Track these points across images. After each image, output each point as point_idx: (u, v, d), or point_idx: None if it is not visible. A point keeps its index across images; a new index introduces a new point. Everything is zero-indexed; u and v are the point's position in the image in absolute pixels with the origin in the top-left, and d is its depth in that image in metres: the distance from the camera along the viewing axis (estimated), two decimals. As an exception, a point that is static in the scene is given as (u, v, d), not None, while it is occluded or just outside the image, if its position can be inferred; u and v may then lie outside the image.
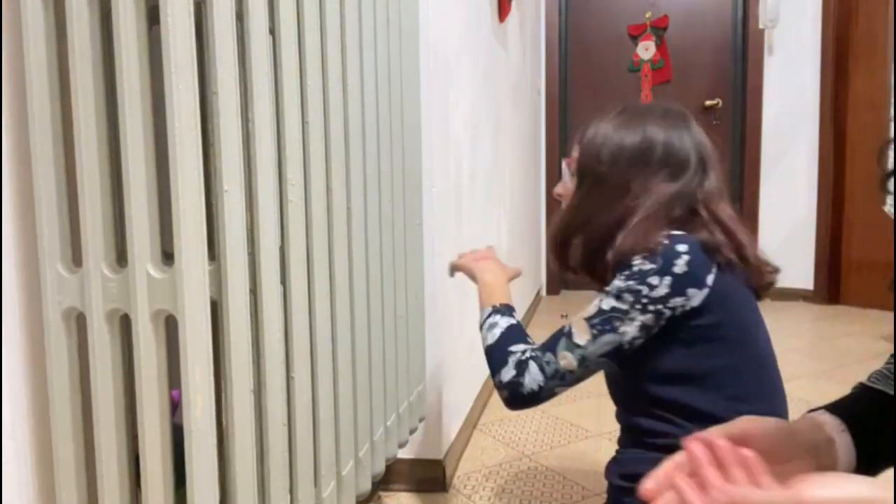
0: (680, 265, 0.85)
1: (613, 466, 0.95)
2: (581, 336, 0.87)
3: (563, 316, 3.22)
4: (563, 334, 0.89)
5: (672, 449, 0.62)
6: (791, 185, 3.66)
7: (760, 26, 3.57)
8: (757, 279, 0.95)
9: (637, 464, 0.89)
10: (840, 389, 2.27)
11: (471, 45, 1.78)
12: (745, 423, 0.60)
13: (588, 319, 0.88)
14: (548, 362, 0.89)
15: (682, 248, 0.86)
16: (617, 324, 0.86)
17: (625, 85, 3.84)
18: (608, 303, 0.87)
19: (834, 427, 0.66)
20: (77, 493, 0.70)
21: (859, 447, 0.65)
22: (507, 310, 0.99)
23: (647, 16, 3.79)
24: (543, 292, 3.93)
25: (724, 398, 0.86)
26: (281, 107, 0.78)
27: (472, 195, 1.79)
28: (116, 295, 0.66)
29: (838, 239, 3.57)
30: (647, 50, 3.80)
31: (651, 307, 0.85)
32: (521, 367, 0.89)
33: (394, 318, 1.17)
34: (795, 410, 1.94)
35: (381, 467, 1.14)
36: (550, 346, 0.90)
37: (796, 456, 0.61)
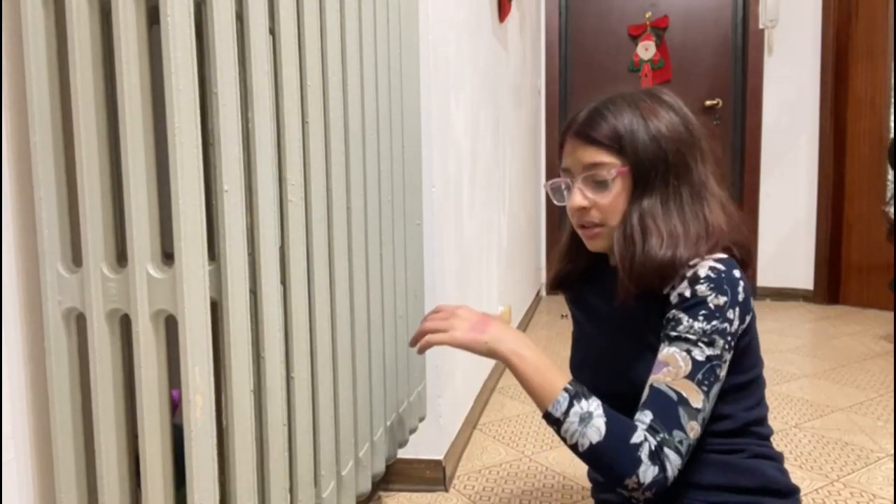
0: (741, 293, 0.83)
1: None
2: (697, 399, 0.80)
3: (563, 316, 3.23)
4: (678, 404, 0.79)
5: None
6: (791, 185, 3.66)
7: (760, 26, 3.57)
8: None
9: None
10: (840, 389, 2.28)
11: (471, 45, 1.78)
12: None
13: (692, 377, 0.80)
14: (681, 442, 0.78)
15: (737, 273, 0.83)
16: (718, 371, 0.82)
17: (625, 85, 3.83)
18: (702, 353, 0.80)
19: None
20: (77, 493, 0.70)
21: None
22: (578, 386, 0.82)
23: (647, 16, 3.80)
24: (543, 292, 3.93)
25: (742, 409, 0.87)
26: (281, 107, 0.78)
27: (472, 195, 1.79)
28: (116, 295, 0.66)
29: (838, 239, 3.57)
30: (647, 50, 3.80)
31: (733, 342, 0.83)
32: (657, 458, 0.77)
33: (394, 318, 1.17)
34: (796, 410, 1.94)
35: (381, 467, 1.14)
36: (669, 419, 0.79)
37: None
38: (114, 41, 0.62)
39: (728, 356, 0.82)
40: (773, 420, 1.84)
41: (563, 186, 0.93)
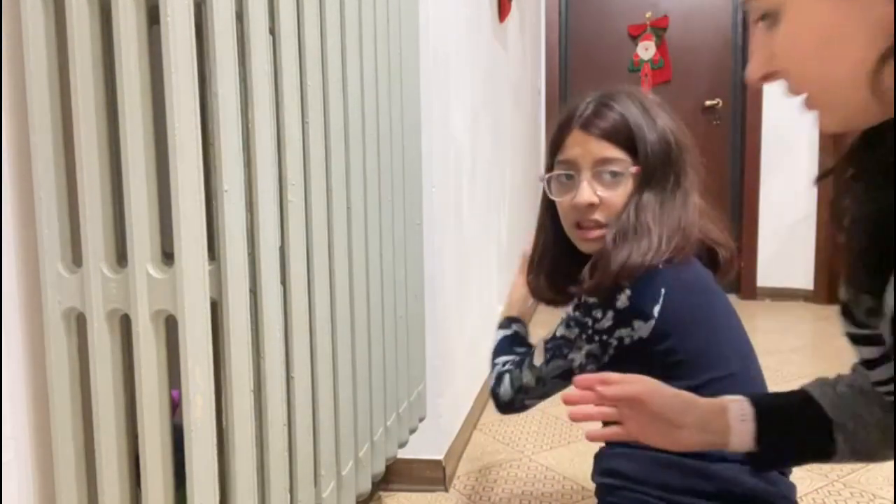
0: (622, 300, 0.84)
1: (596, 464, 0.95)
2: (538, 358, 0.93)
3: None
4: (530, 353, 0.95)
5: (653, 449, 0.72)
6: (791, 185, 3.66)
7: (760, 26, 3.57)
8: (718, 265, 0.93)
9: (619, 460, 0.88)
10: (840, 389, 2.22)
11: (471, 44, 1.78)
12: (640, 386, 0.69)
13: (544, 342, 0.93)
14: (516, 377, 0.95)
15: (632, 288, 0.84)
16: (565, 351, 0.90)
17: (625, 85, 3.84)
18: (560, 330, 0.91)
19: (736, 415, 0.70)
20: (77, 492, 0.70)
21: (759, 439, 0.69)
22: (506, 322, 1.06)
23: (648, 16, 3.79)
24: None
25: None
26: (281, 107, 0.78)
27: (471, 195, 1.79)
28: (116, 295, 0.66)
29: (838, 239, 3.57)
30: (647, 50, 3.80)
31: (600, 339, 0.88)
32: (499, 378, 0.98)
33: (394, 318, 1.17)
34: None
35: (381, 467, 1.14)
36: (520, 362, 0.96)
37: (686, 426, 0.69)
38: (114, 41, 0.62)
39: (586, 346, 0.87)
40: (773, 420, 1.84)
41: (564, 177, 0.90)
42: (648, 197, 0.86)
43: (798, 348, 2.68)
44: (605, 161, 0.87)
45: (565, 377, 0.90)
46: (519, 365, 0.96)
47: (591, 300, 0.86)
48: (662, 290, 0.83)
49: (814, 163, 3.59)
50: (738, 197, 3.76)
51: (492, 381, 0.99)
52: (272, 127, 0.74)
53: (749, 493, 0.82)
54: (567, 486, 1.47)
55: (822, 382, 0.75)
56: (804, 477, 1.49)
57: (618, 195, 0.87)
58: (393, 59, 1.15)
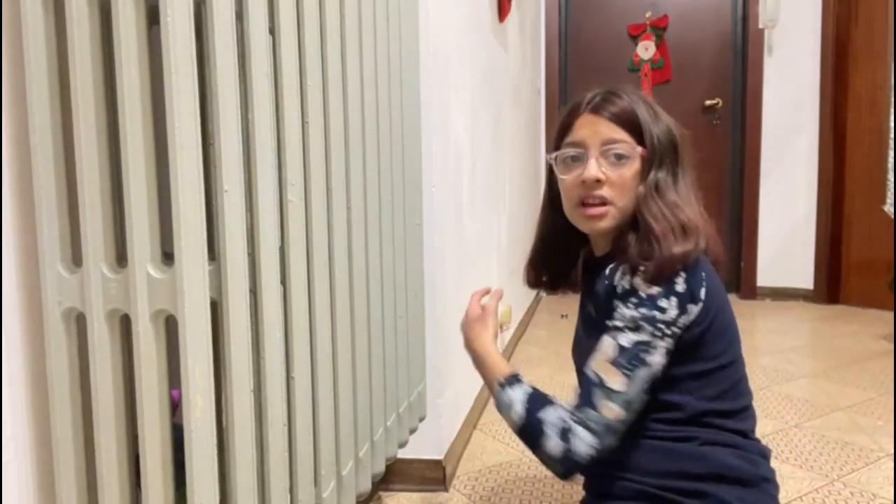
0: (679, 283, 0.83)
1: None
2: (615, 381, 0.82)
3: (563, 316, 3.23)
4: (595, 386, 0.82)
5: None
6: (791, 185, 3.66)
7: (760, 26, 3.57)
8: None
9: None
10: (840, 389, 2.27)
11: (471, 45, 1.78)
12: None
13: (613, 361, 0.83)
14: (595, 422, 0.81)
15: (681, 276, 0.84)
16: (645, 356, 0.83)
17: (624, 85, 3.84)
18: (627, 338, 0.83)
19: None
20: (77, 493, 0.70)
21: None
22: (513, 381, 0.89)
23: (647, 16, 3.79)
24: (543, 292, 3.93)
25: (697, 398, 0.87)
26: (281, 107, 0.78)
27: (471, 195, 1.79)
28: (116, 295, 0.66)
29: (838, 238, 3.57)
30: (646, 50, 3.80)
31: (670, 330, 0.83)
32: (567, 434, 0.81)
33: (394, 318, 1.17)
34: (796, 410, 1.94)
35: (381, 467, 1.14)
36: (585, 400, 0.82)
37: None
38: (114, 41, 0.62)
39: (662, 343, 0.83)
40: (773, 419, 1.85)
41: (570, 158, 0.91)
42: (662, 178, 0.88)
43: (798, 348, 2.68)
44: (613, 141, 0.88)
45: (648, 389, 0.83)
46: (585, 405, 0.82)
47: (654, 291, 0.82)
48: (703, 274, 0.85)
49: (813, 162, 3.59)
50: (737, 196, 3.76)
51: (556, 445, 0.81)
52: (272, 127, 0.74)
53: (734, 473, 0.86)
54: (566, 486, 1.47)
55: None
56: (804, 477, 1.49)
57: (623, 175, 0.88)
58: (393, 59, 1.15)
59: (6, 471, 0.68)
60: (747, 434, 0.91)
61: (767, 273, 3.72)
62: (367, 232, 1.02)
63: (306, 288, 0.83)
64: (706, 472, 0.85)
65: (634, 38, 3.83)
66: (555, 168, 0.94)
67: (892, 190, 2.67)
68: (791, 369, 2.35)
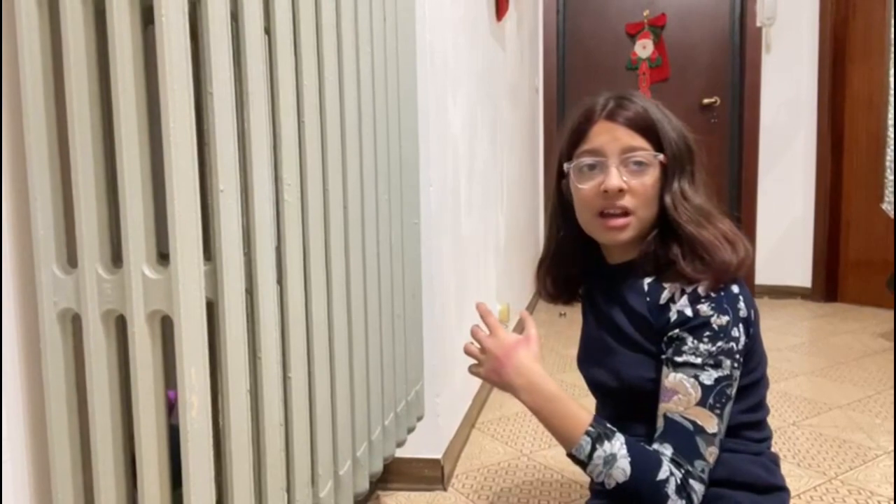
0: (742, 308, 0.83)
1: None
2: (711, 424, 0.80)
3: (561, 315, 3.23)
4: (694, 434, 0.80)
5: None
6: (789, 183, 3.66)
7: (758, 24, 3.57)
8: None
9: None
10: (838, 387, 2.27)
11: (468, 44, 1.78)
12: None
13: (703, 404, 0.80)
14: (703, 471, 0.80)
15: (735, 288, 0.83)
16: (729, 391, 0.82)
17: (623, 83, 3.84)
18: (709, 376, 0.80)
19: None
20: (73, 493, 0.70)
21: None
22: (600, 427, 0.82)
23: (645, 14, 3.79)
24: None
25: (738, 411, 0.87)
26: (276, 106, 0.77)
27: (469, 194, 1.79)
28: (112, 295, 0.66)
29: (836, 237, 3.57)
30: (644, 48, 3.80)
31: (741, 358, 0.83)
32: (684, 491, 0.78)
33: (391, 318, 1.17)
34: (794, 408, 1.94)
35: (378, 467, 1.14)
36: (688, 450, 0.80)
37: None
38: (108, 41, 0.62)
39: (737, 373, 0.82)
40: (772, 418, 1.85)
41: (588, 167, 0.88)
42: (686, 185, 0.87)
43: (796, 346, 2.68)
44: (633, 149, 0.86)
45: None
46: (691, 454, 0.79)
47: (723, 321, 0.80)
48: (746, 292, 0.85)
49: (811, 161, 3.59)
50: (735, 194, 3.76)
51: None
52: (268, 127, 0.74)
53: (751, 479, 0.86)
54: (566, 485, 1.47)
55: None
56: (802, 475, 1.49)
57: (645, 184, 0.86)
58: (390, 59, 1.15)
59: (2, 471, 0.68)
60: (766, 443, 0.91)
61: (765, 271, 3.72)
62: (364, 231, 1.02)
63: (303, 288, 0.83)
64: (724, 477, 0.85)
65: (632, 37, 3.83)
66: (571, 177, 0.91)
67: (890, 188, 2.67)
68: (789, 367, 2.35)
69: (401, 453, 1.36)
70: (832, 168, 3.53)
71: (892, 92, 2.71)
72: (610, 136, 0.87)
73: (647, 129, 0.87)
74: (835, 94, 3.50)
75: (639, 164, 0.86)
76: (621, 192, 0.85)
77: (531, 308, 3.36)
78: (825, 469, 1.52)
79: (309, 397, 0.86)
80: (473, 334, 0.96)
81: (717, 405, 0.80)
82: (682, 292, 0.84)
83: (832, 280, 3.60)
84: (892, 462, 1.56)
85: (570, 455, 0.84)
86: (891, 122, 2.68)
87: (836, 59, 3.49)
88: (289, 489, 0.81)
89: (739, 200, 3.73)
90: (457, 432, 1.60)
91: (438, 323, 1.46)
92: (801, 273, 3.67)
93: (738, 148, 3.74)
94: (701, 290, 0.82)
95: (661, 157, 0.86)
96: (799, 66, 3.59)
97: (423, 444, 1.44)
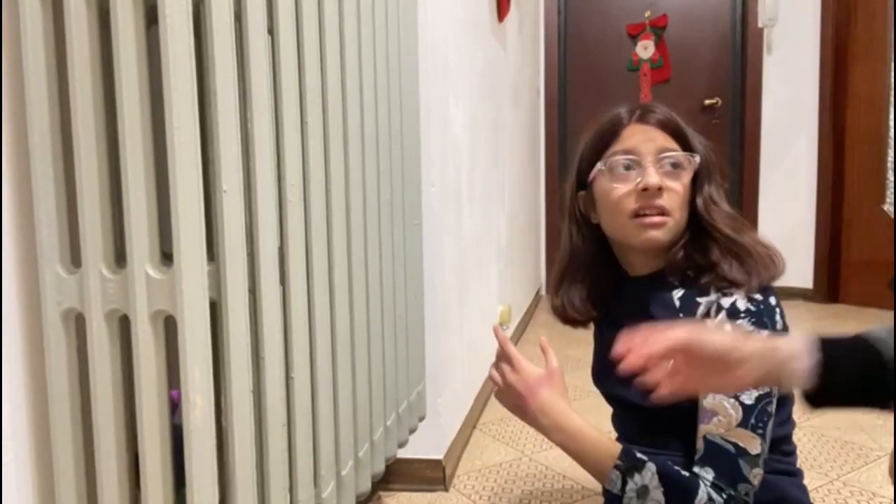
0: (779, 321, 0.82)
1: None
2: (754, 445, 0.77)
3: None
4: (737, 456, 0.77)
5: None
6: (790, 184, 3.66)
7: (760, 25, 3.57)
8: None
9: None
10: (840, 388, 2.22)
11: (470, 45, 1.78)
12: (684, 332, 0.62)
13: (745, 424, 0.77)
14: (747, 494, 0.77)
15: (773, 300, 0.82)
16: (769, 408, 0.79)
17: (624, 84, 3.84)
18: (749, 395, 0.77)
19: (788, 355, 0.63)
20: (76, 493, 0.70)
21: (818, 375, 0.63)
22: (629, 460, 0.81)
23: (647, 15, 3.79)
24: (543, 292, 3.93)
25: (773, 425, 0.84)
26: (280, 107, 0.78)
27: (471, 194, 1.79)
28: (115, 295, 0.66)
29: (838, 238, 3.57)
30: (646, 49, 3.80)
31: None
32: None
33: (393, 318, 1.17)
34: (795, 409, 1.93)
35: (380, 467, 1.14)
36: (731, 474, 0.77)
37: (738, 364, 0.62)
38: (112, 41, 0.62)
39: (776, 389, 0.80)
40: (773, 419, 1.85)
41: (623, 167, 0.86)
42: (714, 190, 0.87)
43: (798, 347, 2.68)
44: (668, 150, 0.85)
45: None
46: (734, 477, 0.77)
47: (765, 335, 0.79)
48: (780, 303, 0.85)
49: (813, 161, 3.59)
50: (737, 196, 3.75)
51: None
52: (271, 127, 0.74)
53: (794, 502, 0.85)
54: (567, 486, 1.47)
55: (884, 328, 0.68)
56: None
57: (678, 186, 0.85)
58: (392, 59, 1.15)
59: (5, 471, 0.68)
60: (795, 457, 0.90)
61: (767, 272, 3.72)
62: (366, 232, 1.02)
63: (305, 288, 0.83)
64: (770, 500, 0.83)
65: (634, 38, 3.83)
66: (600, 180, 0.89)
67: (892, 189, 2.67)
68: (791, 368, 2.35)
69: (402, 454, 1.36)
70: (834, 169, 3.52)
71: (892, 92, 2.71)
72: (645, 137, 0.86)
73: (678, 133, 0.86)
74: (836, 94, 3.50)
75: (675, 165, 0.85)
76: (660, 190, 0.83)
77: (532, 309, 3.36)
78: (827, 470, 1.52)
79: (311, 397, 0.86)
80: (498, 356, 0.94)
81: (760, 424, 0.77)
82: (720, 308, 0.81)
83: (834, 281, 3.59)
84: (893, 462, 1.55)
85: (604, 490, 0.84)
86: (892, 122, 2.68)
87: (838, 59, 3.49)
88: (291, 489, 0.82)
89: (741, 201, 3.73)
90: (458, 433, 1.60)
91: (440, 323, 1.46)
92: (802, 274, 3.66)
93: (740, 149, 3.74)
94: (740, 304, 0.80)
95: (696, 158, 0.86)
96: (800, 66, 3.59)
97: (425, 445, 1.44)
